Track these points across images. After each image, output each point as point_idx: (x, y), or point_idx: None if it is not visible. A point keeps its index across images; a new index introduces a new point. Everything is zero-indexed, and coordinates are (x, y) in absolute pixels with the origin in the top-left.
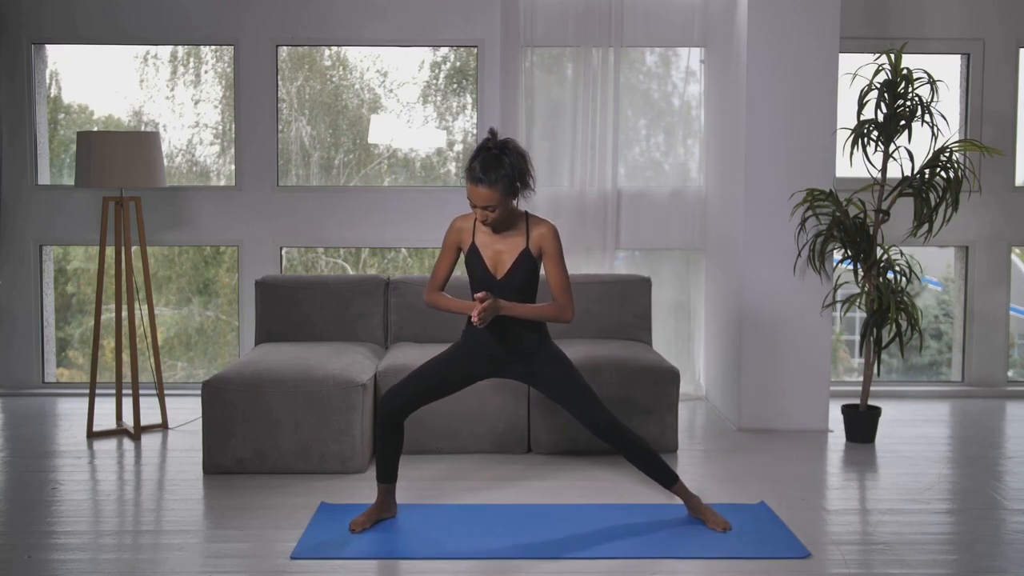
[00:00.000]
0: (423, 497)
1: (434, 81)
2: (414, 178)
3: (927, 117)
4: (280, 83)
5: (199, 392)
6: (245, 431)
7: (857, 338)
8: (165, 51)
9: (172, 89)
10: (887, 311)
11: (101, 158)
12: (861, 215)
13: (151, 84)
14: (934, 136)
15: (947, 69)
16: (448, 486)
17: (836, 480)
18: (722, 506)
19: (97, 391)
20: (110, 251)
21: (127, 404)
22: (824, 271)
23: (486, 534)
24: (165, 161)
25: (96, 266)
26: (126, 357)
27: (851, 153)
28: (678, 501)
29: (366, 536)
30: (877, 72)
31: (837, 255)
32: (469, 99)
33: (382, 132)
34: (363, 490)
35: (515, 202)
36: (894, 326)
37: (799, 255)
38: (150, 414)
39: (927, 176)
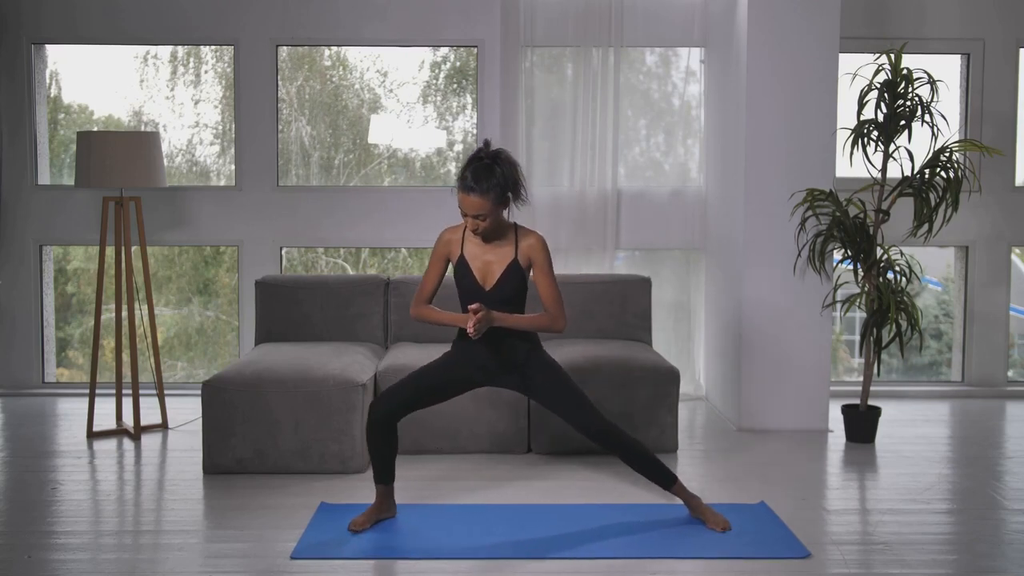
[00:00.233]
0: (423, 497)
1: (434, 81)
2: (414, 178)
3: (927, 117)
4: (280, 83)
5: (199, 392)
6: (245, 431)
7: (857, 338)
8: (165, 51)
9: (172, 89)
10: (887, 311)
11: (101, 158)
12: (861, 215)
13: (151, 84)
14: (934, 136)
15: (947, 69)
16: (448, 486)
17: (836, 480)
18: (722, 506)
19: (97, 391)
20: (110, 251)
21: (127, 404)
22: (824, 271)
23: (486, 534)
24: (165, 161)
25: (96, 266)
26: (126, 357)
27: (851, 153)
28: (678, 501)
29: (366, 536)
30: (877, 72)
31: (837, 255)
32: (469, 99)
33: (382, 132)
34: (363, 490)
35: (506, 212)
36: (894, 326)
37: (799, 255)
38: (150, 414)
39: (927, 176)
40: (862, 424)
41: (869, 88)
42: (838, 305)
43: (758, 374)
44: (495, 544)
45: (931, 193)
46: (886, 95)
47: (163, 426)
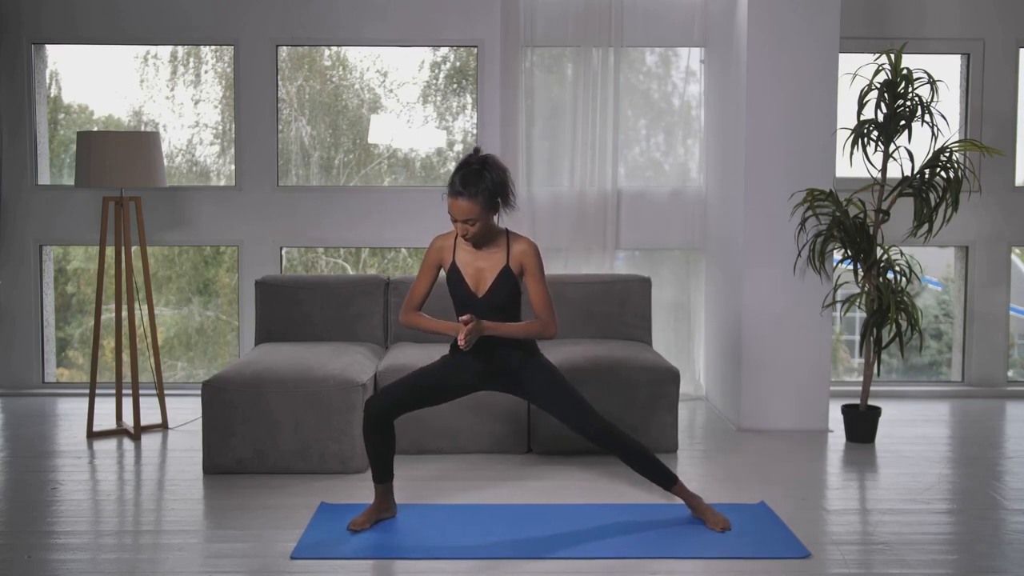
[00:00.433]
0: (423, 497)
1: (434, 81)
2: (414, 178)
3: (927, 117)
4: (280, 83)
5: (199, 392)
6: (245, 431)
7: (857, 338)
8: (165, 51)
9: (172, 89)
10: (887, 311)
11: (101, 158)
12: (861, 215)
13: (151, 84)
14: (934, 136)
15: (947, 69)
16: (448, 486)
17: (836, 480)
18: (722, 506)
19: (97, 391)
20: (110, 251)
21: (127, 404)
22: (824, 271)
23: (485, 534)
24: (165, 161)
25: (96, 266)
26: (126, 357)
27: (851, 153)
28: (678, 501)
29: (365, 536)
30: (877, 72)
31: (837, 255)
32: (469, 99)
33: (382, 132)
34: (363, 490)
35: (496, 218)
36: (894, 326)
37: (799, 255)
38: (150, 414)
39: (927, 176)
40: (862, 424)
41: (869, 88)
42: (838, 305)
43: (758, 374)
44: (495, 544)
45: (931, 193)
46: (886, 95)
47: (163, 426)
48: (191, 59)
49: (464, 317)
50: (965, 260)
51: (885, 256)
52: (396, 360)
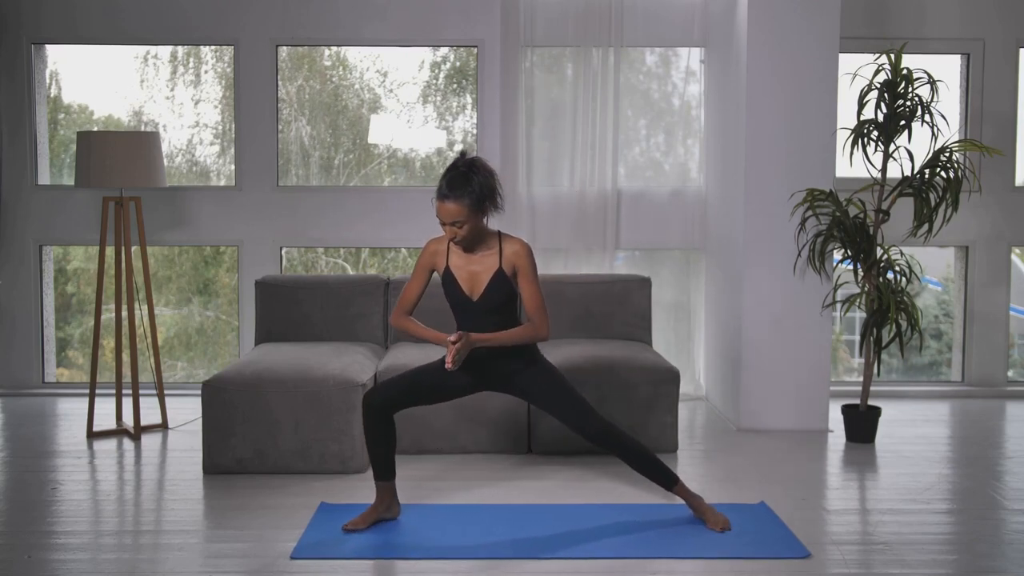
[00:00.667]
0: (423, 497)
1: (434, 81)
2: (414, 178)
3: (927, 117)
4: (280, 83)
5: (199, 392)
6: (245, 431)
7: (857, 338)
8: (165, 51)
9: (172, 89)
10: (887, 311)
11: (101, 158)
12: (861, 215)
13: (151, 84)
14: (934, 136)
15: (947, 69)
16: (448, 486)
17: (836, 480)
18: (722, 506)
19: (97, 391)
20: (110, 251)
21: (127, 404)
22: (824, 271)
23: (485, 534)
24: (165, 161)
25: (96, 266)
26: (126, 357)
27: (851, 153)
28: (678, 501)
29: (365, 536)
30: (877, 72)
31: (837, 255)
32: (469, 99)
33: (382, 132)
34: (363, 490)
35: (485, 220)
36: (894, 326)
37: (799, 255)
38: (150, 414)
39: (927, 176)
40: (862, 424)
41: (869, 88)
42: (838, 305)
43: (758, 374)
44: (495, 544)
45: (931, 193)
46: (886, 95)
47: (163, 426)
48: (191, 59)
49: (452, 337)
50: (965, 260)
51: (885, 256)
52: (396, 360)
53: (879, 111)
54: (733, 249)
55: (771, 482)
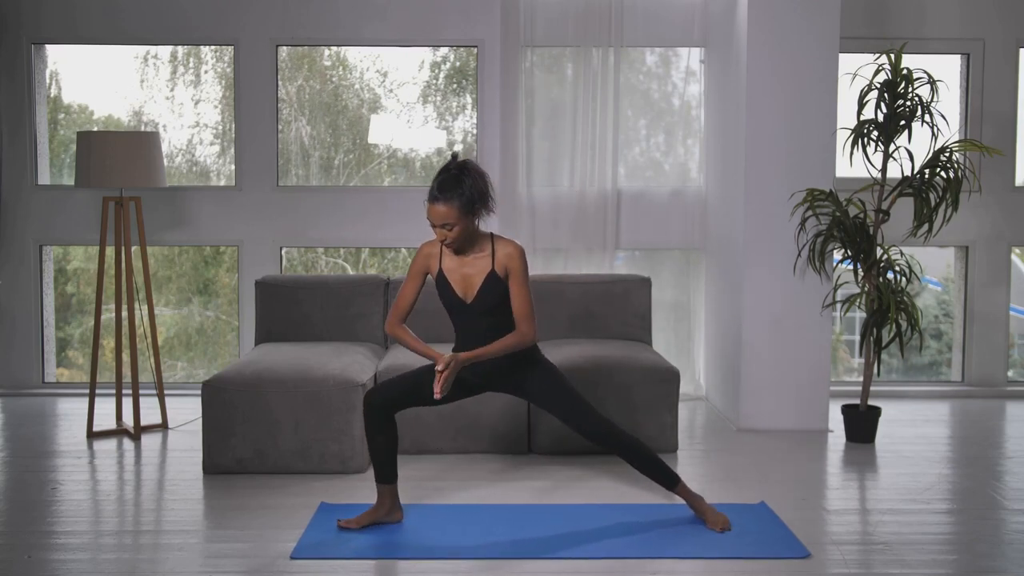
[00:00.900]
0: (423, 497)
1: (434, 81)
2: (414, 178)
3: (927, 117)
4: (280, 83)
5: (199, 392)
6: (245, 431)
7: (857, 338)
8: (165, 51)
9: (172, 89)
10: (887, 311)
11: (101, 158)
12: (861, 215)
13: (151, 84)
14: (934, 136)
15: (947, 69)
16: (448, 486)
17: (836, 480)
18: (722, 506)
19: (97, 391)
20: (110, 251)
21: (127, 404)
22: (824, 271)
23: (485, 534)
24: (165, 161)
25: (96, 266)
26: (126, 357)
27: (851, 153)
28: (678, 501)
29: (365, 536)
30: (877, 72)
31: (837, 255)
32: (469, 99)
33: (382, 132)
34: (363, 490)
35: (476, 222)
36: (894, 326)
37: (799, 255)
38: (150, 414)
39: (927, 176)
40: (862, 424)
41: (869, 88)
42: (838, 305)
43: (758, 374)
44: (495, 544)
45: (931, 193)
46: (886, 95)
47: (163, 426)
48: (191, 59)
49: (438, 366)
50: (965, 260)
51: (885, 256)
52: (396, 360)
53: (879, 111)
54: (733, 249)
55: (771, 482)
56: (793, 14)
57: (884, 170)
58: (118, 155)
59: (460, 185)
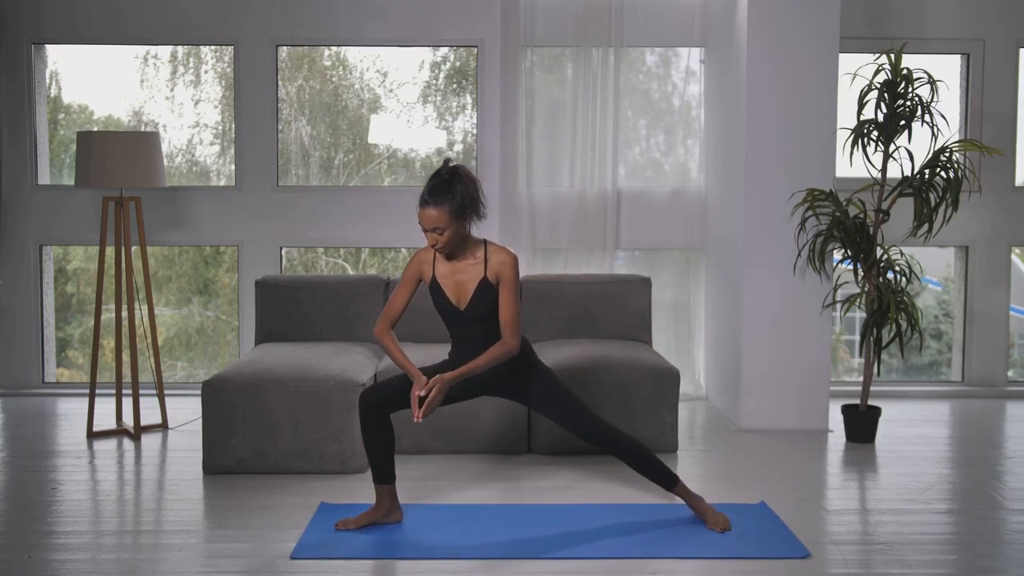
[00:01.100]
0: (423, 497)
1: (434, 81)
2: (414, 178)
3: (927, 117)
4: (280, 83)
5: (199, 392)
6: (245, 431)
7: (857, 338)
8: (165, 51)
9: (172, 89)
10: (887, 311)
11: (101, 158)
12: (861, 215)
13: (151, 84)
14: (934, 136)
15: (947, 69)
16: (448, 486)
17: (836, 480)
18: (722, 506)
19: (97, 391)
20: (110, 251)
21: (127, 404)
22: (824, 271)
23: (485, 534)
24: (165, 161)
25: (96, 266)
26: (126, 357)
27: (851, 153)
28: (679, 501)
29: (365, 536)
30: (877, 72)
31: (837, 255)
32: (469, 99)
33: (382, 132)
34: (363, 490)
35: (467, 226)
36: (894, 326)
37: (799, 255)
38: (150, 414)
39: (927, 176)
40: (862, 424)
41: (869, 88)
42: (838, 305)
43: (758, 374)
44: (495, 544)
45: (931, 193)
46: (886, 95)
47: (163, 426)
48: (191, 59)
49: (420, 392)
50: (965, 260)
51: (885, 256)
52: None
53: (879, 111)
54: (733, 249)
55: (771, 482)
56: (793, 14)
57: (884, 170)
58: (118, 155)
59: (451, 190)
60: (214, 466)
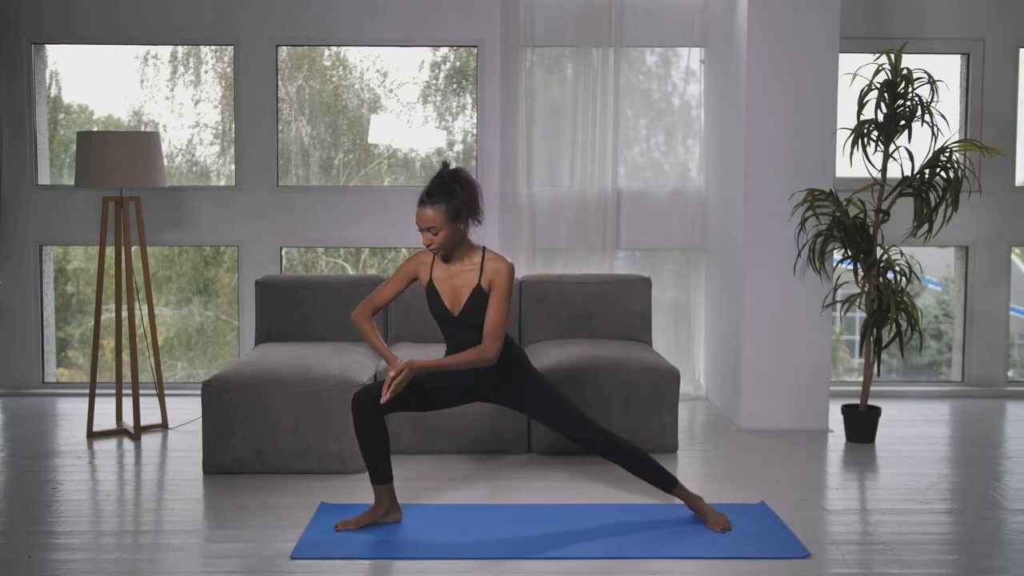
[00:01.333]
0: (422, 497)
1: (434, 81)
2: (414, 178)
3: (927, 117)
4: (280, 83)
5: (199, 392)
6: (245, 431)
7: (857, 338)
8: (165, 51)
9: (172, 89)
10: (887, 311)
11: (101, 158)
12: (861, 215)
13: (151, 84)
14: (934, 136)
15: (947, 69)
16: (447, 486)
17: (836, 480)
18: (722, 506)
19: (97, 391)
20: (110, 251)
21: (127, 404)
22: (824, 271)
23: (485, 534)
24: (165, 161)
25: (96, 266)
26: (126, 357)
27: (851, 153)
28: (678, 502)
29: (365, 536)
30: (877, 72)
31: (837, 255)
32: (469, 99)
33: (382, 132)
34: (363, 490)
35: (463, 229)
36: (894, 326)
37: (799, 255)
38: (150, 414)
39: (927, 176)
40: (862, 424)
41: (869, 88)
42: (838, 305)
43: (758, 374)
44: (494, 543)
45: (931, 193)
46: (886, 95)
47: (163, 426)
48: (191, 59)
49: (392, 372)
50: (965, 260)
51: (885, 256)
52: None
53: (879, 111)
54: (733, 249)
55: (771, 482)
56: (793, 14)
57: (884, 170)
58: (118, 155)
59: (449, 191)
60: (214, 466)
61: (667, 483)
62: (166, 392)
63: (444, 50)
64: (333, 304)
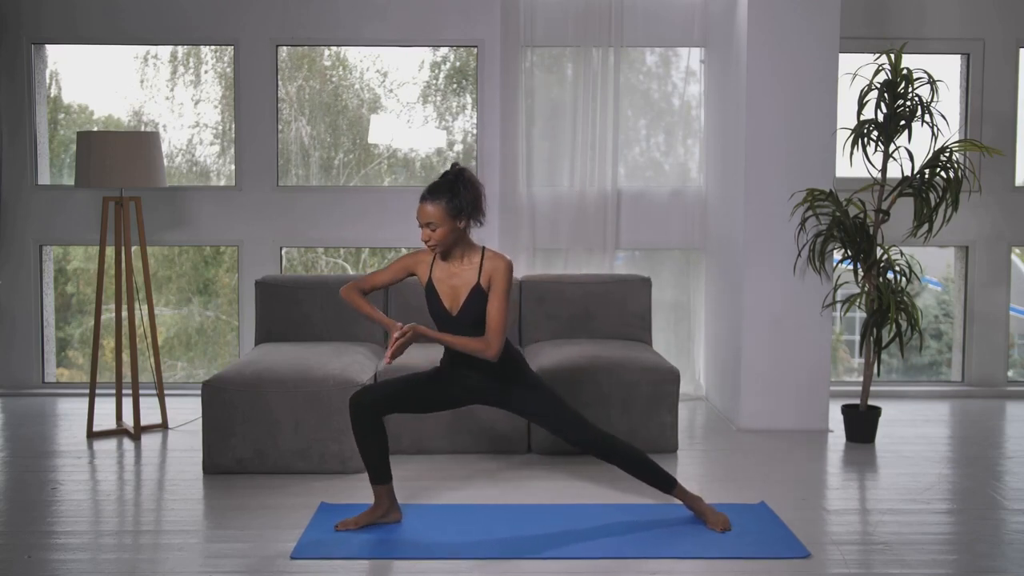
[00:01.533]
0: (422, 497)
1: (434, 81)
2: (414, 178)
3: (927, 117)
4: (280, 83)
5: (199, 392)
6: (245, 431)
7: (857, 338)
8: (165, 51)
9: (172, 89)
10: (887, 311)
11: (101, 158)
12: (861, 215)
13: (151, 84)
14: (934, 136)
15: (947, 69)
16: (447, 486)
17: (836, 480)
18: (722, 506)
19: (97, 391)
20: (110, 251)
21: (127, 404)
22: (824, 271)
23: (485, 533)
24: (165, 161)
25: (96, 266)
26: (126, 357)
27: (851, 153)
28: (677, 502)
29: (365, 536)
30: (877, 72)
31: (837, 255)
32: (469, 99)
33: (382, 132)
34: (363, 490)
35: (463, 228)
36: (894, 326)
37: (799, 255)
38: (150, 414)
39: (927, 176)
40: (862, 424)
41: (869, 88)
42: (838, 305)
43: (758, 374)
44: (494, 543)
45: (931, 193)
46: (886, 95)
47: (163, 426)
48: (191, 59)
49: (395, 333)
50: (965, 260)
51: (885, 256)
52: (396, 361)
53: (879, 111)
54: (733, 249)
55: (771, 482)
56: (793, 14)
57: (884, 170)
58: (118, 155)
59: (451, 189)
60: (214, 466)
61: (666, 484)
62: (166, 392)
63: (444, 50)
64: (333, 304)
